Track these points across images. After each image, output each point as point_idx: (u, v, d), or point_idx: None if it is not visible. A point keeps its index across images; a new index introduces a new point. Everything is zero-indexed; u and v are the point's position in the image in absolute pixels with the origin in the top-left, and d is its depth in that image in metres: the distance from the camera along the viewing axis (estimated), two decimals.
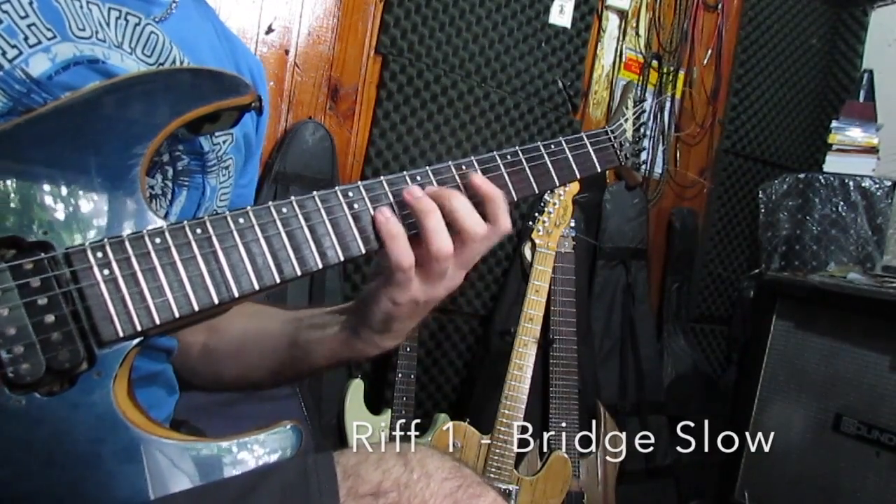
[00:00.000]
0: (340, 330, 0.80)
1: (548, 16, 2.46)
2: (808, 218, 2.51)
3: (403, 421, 2.07)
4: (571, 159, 0.82)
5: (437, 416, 2.29)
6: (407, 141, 2.26)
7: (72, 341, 0.58)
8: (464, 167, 0.75)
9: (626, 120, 0.91)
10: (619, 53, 2.69)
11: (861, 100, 2.64)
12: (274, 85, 2.09)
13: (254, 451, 0.63)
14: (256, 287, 0.64)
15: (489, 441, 1.88)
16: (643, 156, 2.73)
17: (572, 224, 2.03)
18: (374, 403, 2.12)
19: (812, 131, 3.17)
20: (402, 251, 0.68)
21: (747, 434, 2.11)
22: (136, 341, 0.61)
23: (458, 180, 0.74)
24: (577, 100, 2.58)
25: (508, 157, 0.78)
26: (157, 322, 0.60)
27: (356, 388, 2.08)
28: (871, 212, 2.42)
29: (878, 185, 2.43)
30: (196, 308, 0.61)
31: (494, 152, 0.78)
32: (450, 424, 1.95)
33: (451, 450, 1.87)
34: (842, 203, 2.46)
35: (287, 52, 2.12)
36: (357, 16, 2.19)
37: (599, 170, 0.85)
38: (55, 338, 0.57)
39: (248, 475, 0.62)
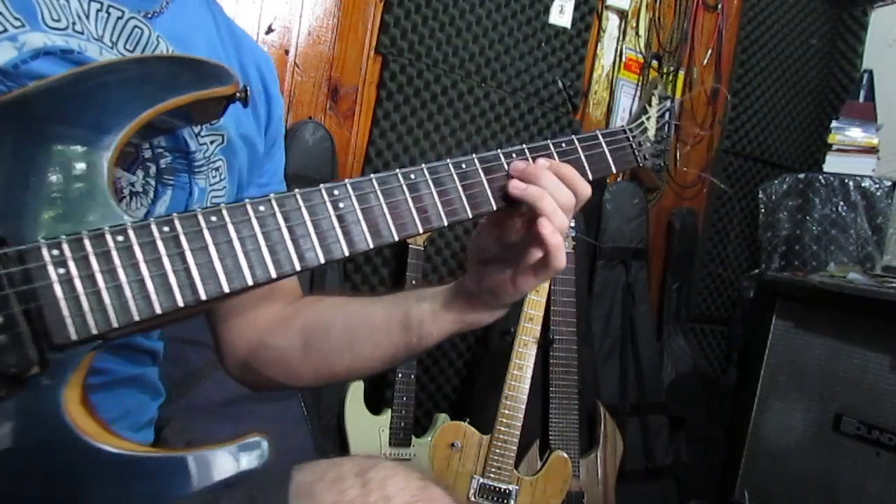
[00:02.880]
0: (453, 309, 0.79)
1: (548, 16, 2.46)
2: (808, 218, 2.51)
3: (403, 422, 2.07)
4: (584, 160, 0.78)
5: (437, 416, 2.29)
6: (407, 141, 2.26)
7: (21, 344, 0.54)
8: (464, 165, 0.72)
9: (647, 118, 0.86)
10: (619, 53, 2.69)
11: (861, 100, 2.64)
12: None
13: (212, 466, 0.60)
14: (226, 290, 0.60)
15: (489, 441, 1.88)
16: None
17: (572, 224, 2.03)
18: (374, 403, 2.12)
19: (812, 131, 3.17)
20: (563, 257, 0.72)
21: (747, 434, 2.12)
22: (92, 345, 0.57)
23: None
24: (577, 100, 2.58)
25: (514, 155, 0.75)
26: (115, 325, 0.56)
27: (356, 388, 2.08)
28: (871, 212, 2.42)
29: (878, 185, 2.43)
30: (158, 311, 0.58)
31: (499, 150, 0.74)
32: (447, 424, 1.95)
33: (451, 449, 1.87)
34: (842, 203, 2.46)
35: (287, 52, 2.12)
36: (357, 16, 2.19)
37: (615, 171, 0.81)
38: (3, 340, 0.53)
39: (196, 494, 0.59)
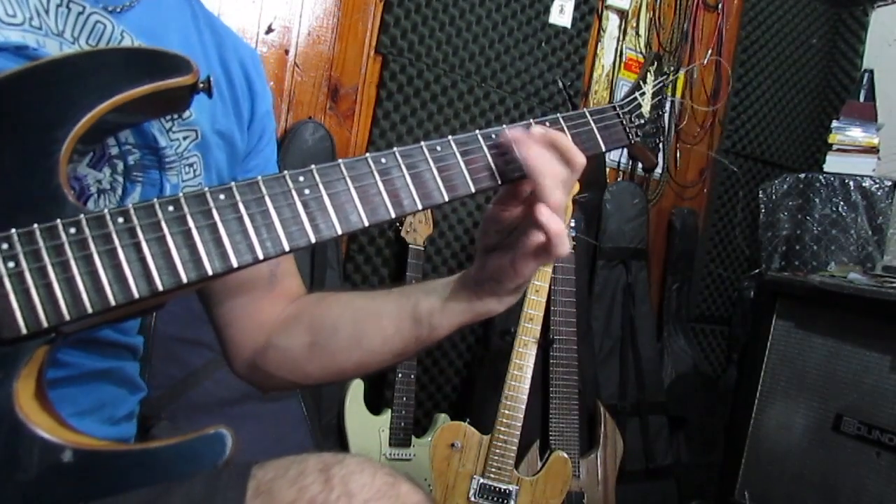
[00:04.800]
0: (462, 299, 0.77)
1: (548, 16, 2.46)
2: (808, 218, 2.51)
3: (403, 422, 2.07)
4: (570, 138, 0.74)
5: (437, 416, 2.29)
6: (407, 141, 2.26)
7: None
8: (438, 148, 0.69)
9: (642, 94, 0.82)
10: (619, 53, 2.69)
11: (861, 100, 2.64)
12: (274, 85, 2.09)
13: (171, 460, 0.58)
14: (184, 280, 0.58)
15: (489, 441, 1.88)
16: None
17: (572, 224, 2.03)
18: (374, 403, 2.12)
19: (812, 131, 3.17)
20: (565, 243, 0.69)
21: (747, 434, 2.12)
22: (45, 338, 0.56)
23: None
24: (577, 100, 2.58)
25: (493, 135, 0.71)
26: (67, 318, 0.55)
27: (356, 388, 2.08)
28: (872, 212, 2.42)
29: (878, 185, 2.43)
30: (112, 303, 0.56)
31: (477, 132, 0.71)
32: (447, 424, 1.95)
33: (451, 449, 1.87)
34: (842, 203, 2.46)
35: (287, 52, 2.12)
36: (357, 16, 2.19)
37: (604, 149, 0.78)
38: None
39: (151, 490, 0.57)
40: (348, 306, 0.86)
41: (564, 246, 0.69)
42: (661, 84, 0.85)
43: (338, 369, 0.85)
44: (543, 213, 0.67)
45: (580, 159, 0.71)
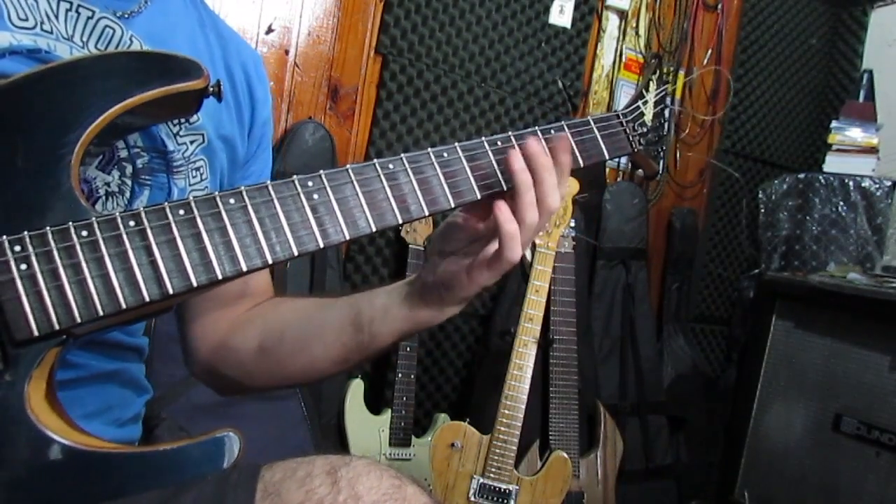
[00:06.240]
0: (404, 305, 0.77)
1: (548, 16, 2.46)
2: (808, 218, 2.51)
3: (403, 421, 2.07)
4: (574, 146, 0.76)
5: (437, 416, 2.29)
6: (407, 141, 2.26)
7: None
8: (445, 154, 0.70)
9: (644, 103, 0.82)
10: (619, 53, 2.69)
11: (861, 100, 2.64)
12: (274, 85, 2.09)
13: (179, 462, 0.59)
14: (194, 284, 0.59)
15: (489, 441, 1.88)
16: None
17: (572, 224, 2.03)
18: (374, 403, 2.12)
19: (812, 131, 3.16)
20: (516, 248, 0.69)
21: (747, 434, 2.12)
22: (56, 340, 0.56)
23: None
24: (577, 100, 2.58)
25: (498, 142, 0.72)
26: (78, 320, 0.55)
27: (356, 388, 2.08)
28: (871, 212, 2.42)
29: (877, 185, 2.43)
30: (123, 306, 0.56)
31: (483, 138, 0.72)
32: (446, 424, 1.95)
33: (451, 449, 1.87)
34: (842, 203, 2.46)
35: (287, 52, 2.12)
36: (357, 16, 2.19)
37: (608, 157, 0.79)
38: None
39: (162, 492, 0.58)
40: (299, 312, 0.86)
41: (514, 251, 0.69)
42: (662, 93, 0.85)
43: (283, 375, 0.85)
44: (503, 213, 0.68)
45: (555, 202, 0.73)
